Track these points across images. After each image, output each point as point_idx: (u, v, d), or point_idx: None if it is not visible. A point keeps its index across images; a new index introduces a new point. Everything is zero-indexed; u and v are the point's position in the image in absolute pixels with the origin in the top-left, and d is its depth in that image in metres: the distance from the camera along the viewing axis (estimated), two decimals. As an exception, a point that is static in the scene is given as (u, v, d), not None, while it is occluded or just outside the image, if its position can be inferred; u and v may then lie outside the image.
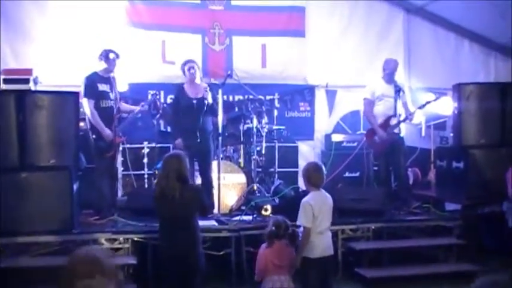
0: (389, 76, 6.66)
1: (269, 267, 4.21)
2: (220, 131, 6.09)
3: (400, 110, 6.57)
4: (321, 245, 4.29)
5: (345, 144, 7.62)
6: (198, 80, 6.23)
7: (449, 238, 6.02)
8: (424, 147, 7.82)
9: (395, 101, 6.51)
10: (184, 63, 6.31)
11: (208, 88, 6.18)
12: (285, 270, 4.22)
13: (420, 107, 6.59)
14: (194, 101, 6.15)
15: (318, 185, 4.39)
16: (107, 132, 5.85)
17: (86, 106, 5.80)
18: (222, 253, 5.45)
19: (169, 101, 7.33)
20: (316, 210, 4.26)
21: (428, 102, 6.53)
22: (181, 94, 6.25)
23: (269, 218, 5.08)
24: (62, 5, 7.25)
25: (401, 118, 6.56)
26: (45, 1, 7.24)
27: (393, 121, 6.55)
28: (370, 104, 6.76)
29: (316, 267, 4.25)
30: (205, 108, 6.11)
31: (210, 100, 6.10)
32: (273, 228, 4.28)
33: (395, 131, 6.58)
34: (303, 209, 4.29)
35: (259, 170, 6.94)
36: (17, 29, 7.12)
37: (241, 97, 7.56)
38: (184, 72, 6.28)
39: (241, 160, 7.02)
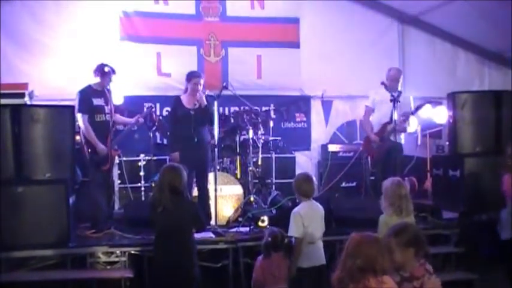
0: (391, 84, 6.70)
1: (266, 279, 4.20)
2: (216, 142, 6.09)
3: (396, 117, 6.58)
4: (313, 254, 4.30)
5: (341, 154, 7.65)
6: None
7: (447, 246, 5.98)
8: (420, 156, 7.84)
9: (392, 109, 6.53)
10: (192, 76, 6.20)
11: (205, 92, 6.17)
12: (283, 282, 4.21)
13: (413, 113, 6.61)
14: (192, 112, 6.14)
15: (309, 195, 4.44)
16: (101, 146, 5.82)
17: (80, 121, 5.79)
18: (219, 265, 5.42)
19: (165, 113, 7.32)
20: (306, 220, 4.28)
21: (419, 107, 6.56)
22: (178, 105, 6.23)
23: (266, 229, 5.07)
24: (57, 19, 7.30)
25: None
26: (42, 16, 7.28)
27: (389, 128, 6.57)
28: (368, 112, 6.86)
29: (309, 276, 4.25)
30: (201, 114, 6.08)
31: (204, 101, 6.07)
32: (269, 239, 4.30)
33: (392, 138, 6.59)
34: (293, 220, 4.32)
35: (256, 181, 6.93)
36: (13, 44, 7.14)
37: (237, 108, 7.57)
38: (188, 82, 6.19)
39: (237, 171, 7.00)
